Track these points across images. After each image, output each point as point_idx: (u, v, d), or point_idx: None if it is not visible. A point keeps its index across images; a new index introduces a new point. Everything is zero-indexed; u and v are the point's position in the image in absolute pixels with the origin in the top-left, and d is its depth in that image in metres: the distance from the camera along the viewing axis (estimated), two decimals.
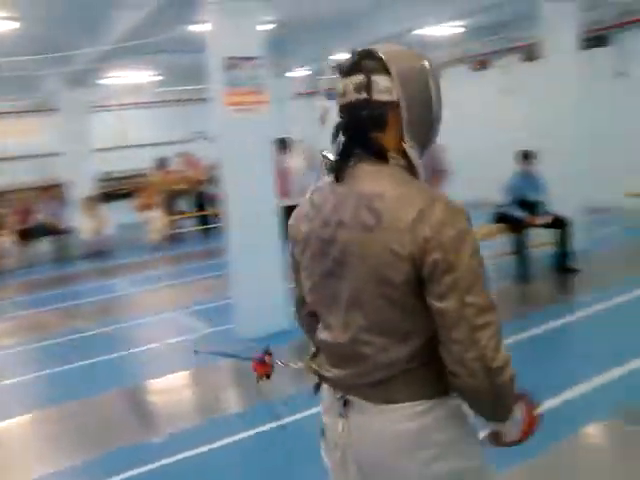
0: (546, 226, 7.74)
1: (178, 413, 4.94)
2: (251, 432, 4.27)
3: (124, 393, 5.38)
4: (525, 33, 12.96)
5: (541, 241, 8.23)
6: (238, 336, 6.29)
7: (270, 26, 11.27)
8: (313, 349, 1.81)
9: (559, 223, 7.67)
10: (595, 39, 12.47)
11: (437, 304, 1.46)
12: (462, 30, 13.63)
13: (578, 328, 5.88)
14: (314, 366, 1.75)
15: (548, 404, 4.18)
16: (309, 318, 1.82)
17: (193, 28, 10.15)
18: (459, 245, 1.44)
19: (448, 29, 13.34)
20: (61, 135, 13.34)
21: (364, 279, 1.51)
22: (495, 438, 1.65)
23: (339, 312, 1.60)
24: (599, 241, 9.15)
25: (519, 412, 1.61)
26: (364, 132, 1.55)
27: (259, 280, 6.26)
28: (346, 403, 1.62)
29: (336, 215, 1.57)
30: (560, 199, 8.09)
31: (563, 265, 7.67)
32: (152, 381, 5.75)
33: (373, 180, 1.53)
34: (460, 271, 1.44)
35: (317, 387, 1.79)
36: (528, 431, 1.63)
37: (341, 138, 1.59)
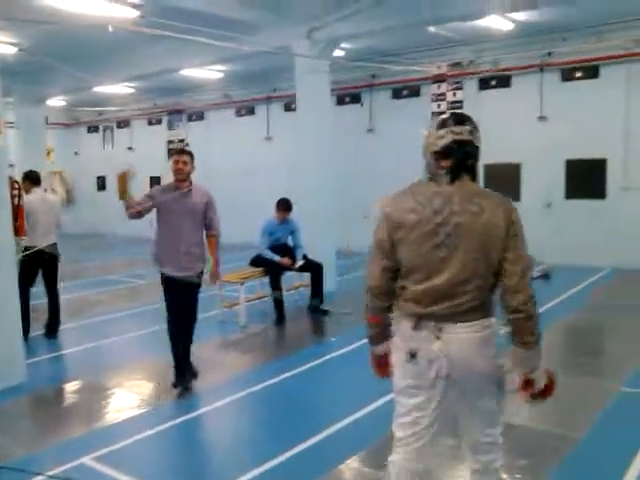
0: (300, 270, 8.01)
1: None
2: None
3: None
4: (285, 84, 13.62)
5: (295, 284, 8.52)
6: None
7: (12, 50, 10.43)
8: (386, 304, 2.75)
9: (312, 267, 7.96)
10: (349, 96, 13.51)
11: (511, 252, 2.54)
12: (222, 76, 13.87)
13: (328, 369, 6.02)
14: (414, 309, 2.63)
15: (301, 446, 4.23)
16: (390, 280, 2.70)
17: None
18: (518, 220, 2.59)
19: (213, 73, 13.51)
20: None
21: (473, 246, 2.53)
22: (526, 387, 2.59)
23: (444, 269, 2.56)
24: (350, 283, 9.67)
25: (543, 372, 2.60)
26: (469, 160, 2.62)
27: None
28: (441, 328, 2.57)
29: (448, 206, 2.55)
30: (313, 244, 8.47)
31: (316, 307, 7.96)
32: None
33: (471, 186, 2.62)
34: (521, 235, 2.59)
35: (417, 324, 2.62)
36: (550, 387, 2.61)
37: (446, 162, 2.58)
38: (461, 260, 2.52)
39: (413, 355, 2.61)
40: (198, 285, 5.40)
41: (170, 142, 16.58)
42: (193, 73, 13.12)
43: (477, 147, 2.62)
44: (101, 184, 19.08)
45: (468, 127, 2.58)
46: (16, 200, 6.27)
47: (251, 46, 9.21)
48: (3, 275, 5.59)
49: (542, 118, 11.25)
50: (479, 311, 2.57)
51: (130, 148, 17.90)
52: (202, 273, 5.44)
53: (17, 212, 6.20)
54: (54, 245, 7.07)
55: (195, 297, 5.43)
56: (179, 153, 5.42)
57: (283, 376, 5.71)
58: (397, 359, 2.70)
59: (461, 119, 2.60)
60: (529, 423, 3.44)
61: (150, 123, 17.46)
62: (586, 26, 10.35)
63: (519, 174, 11.44)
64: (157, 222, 5.39)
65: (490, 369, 2.59)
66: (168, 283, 5.30)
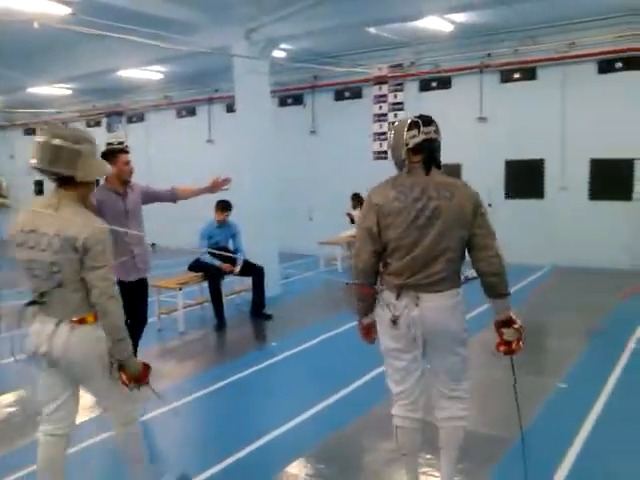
0: (241, 274, 7.85)
1: None
2: None
3: None
4: (227, 85, 13.41)
5: (236, 289, 8.37)
6: None
7: None
8: (373, 280, 3.21)
9: (253, 270, 7.80)
10: (291, 97, 13.41)
11: (480, 228, 3.07)
12: (162, 76, 13.60)
13: (269, 375, 5.85)
14: (396, 281, 3.09)
15: (242, 453, 4.11)
16: (377, 260, 3.17)
17: None
18: (482, 203, 3.11)
19: (150, 73, 13.22)
20: None
21: (448, 224, 3.02)
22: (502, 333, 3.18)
23: (423, 245, 3.03)
24: (293, 287, 9.55)
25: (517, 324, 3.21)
26: (436, 154, 3.13)
27: None
28: (418, 297, 3.04)
29: (425, 193, 3.04)
30: (254, 246, 8.31)
31: (258, 311, 7.82)
32: None
33: (441, 176, 3.11)
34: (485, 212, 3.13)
35: (399, 294, 3.08)
36: (520, 337, 3.20)
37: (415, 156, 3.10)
38: (436, 237, 3.01)
39: (395, 321, 3.07)
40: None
41: (109, 144, 16.13)
42: (132, 74, 12.81)
43: (440, 143, 3.16)
44: (39, 189, 18.45)
45: (433, 127, 3.11)
46: None
47: (188, 46, 9.02)
48: None
49: (482, 119, 11.40)
50: (450, 282, 3.08)
51: None
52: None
53: None
54: None
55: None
56: (124, 152, 5.17)
57: (222, 383, 5.55)
58: (381, 326, 3.19)
59: (428, 121, 3.11)
60: (470, 427, 3.44)
61: (88, 125, 16.96)
62: (523, 28, 10.53)
63: (459, 175, 11.55)
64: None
65: (459, 331, 3.12)
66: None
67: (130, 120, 16.10)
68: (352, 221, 11.06)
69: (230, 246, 7.88)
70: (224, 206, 7.76)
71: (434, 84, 11.91)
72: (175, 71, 13.29)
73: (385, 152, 11.86)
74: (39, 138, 2.95)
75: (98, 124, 16.72)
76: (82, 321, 2.97)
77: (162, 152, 15.18)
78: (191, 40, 9.15)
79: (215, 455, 4.11)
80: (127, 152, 5.21)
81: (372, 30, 10.30)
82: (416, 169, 3.08)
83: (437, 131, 3.13)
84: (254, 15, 8.82)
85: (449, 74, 11.71)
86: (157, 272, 6.97)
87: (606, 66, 10.25)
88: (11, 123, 18.87)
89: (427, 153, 3.06)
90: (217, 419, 4.92)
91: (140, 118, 15.96)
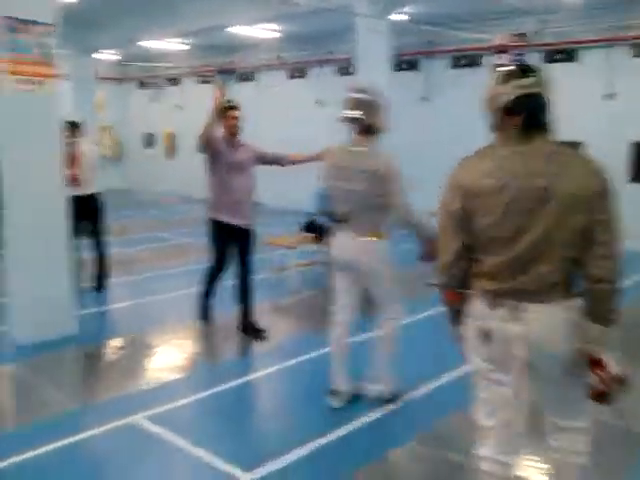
0: None
1: None
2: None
3: None
4: (341, 47, 13.29)
5: None
6: (14, 341, 5.49)
7: None
8: (459, 281, 2.52)
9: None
10: (406, 63, 13.11)
11: (601, 217, 2.26)
12: (278, 35, 13.57)
13: None
14: (489, 285, 2.40)
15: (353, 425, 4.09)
16: (465, 254, 2.47)
17: None
18: (609, 182, 2.31)
19: (264, 32, 13.21)
20: None
21: (561, 209, 2.25)
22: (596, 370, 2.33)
23: (526, 238, 2.29)
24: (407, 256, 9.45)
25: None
26: (540, 114, 2.37)
27: (41, 277, 5.49)
28: (519, 307, 2.32)
29: (528, 167, 2.29)
30: None
31: None
32: None
33: (551, 145, 2.36)
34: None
35: (493, 303, 2.38)
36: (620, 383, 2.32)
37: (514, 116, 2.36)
38: (543, 227, 2.26)
39: (487, 336, 2.40)
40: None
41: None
42: (245, 31, 12.83)
43: (547, 99, 2.36)
44: (148, 141, 19.10)
45: (537, 78, 2.34)
46: (70, 148, 6.21)
47: (309, 3, 8.92)
48: (53, 225, 5.55)
49: (609, 96, 10.75)
50: (562, 288, 2.33)
51: (179, 106, 17.77)
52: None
53: (72, 161, 6.15)
54: (99, 194, 7.05)
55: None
56: (234, 108, 5.52)
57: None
58: (470, 340, 2.50)
59: (528, 70, 2.37)
60: (606, 419, 3.27)
61: (200, 82, 17.29)
62: None
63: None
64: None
65: (575, 355, 2.34)
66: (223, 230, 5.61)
67: (241, 78, 16.26)
68: None
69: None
70: None
71: (558, 56, 11.29)
72: (288, 30, 13.24)
73: None
74: (356, 95, 3.94)
75: (209, 81, 16.99)
76: (377, 236, 3.95)
77: (271, 112, 15.27)
78: None
79: (331, 421, 4.15)
80: (236, 108, 5.54)
81: None
82: (515, 135, 2.36)
83: (542, 83, 2.36)
84: None
85: (575, 46, 11.09)
86: (266, 230, 7.08)
87: None
88: (126, 77, 19.48)
89: (528, 113, 2.32)
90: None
91: (251, 77, 16.09)
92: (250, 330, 5.83)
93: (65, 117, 6.41)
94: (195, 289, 6.07)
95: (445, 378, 4.77)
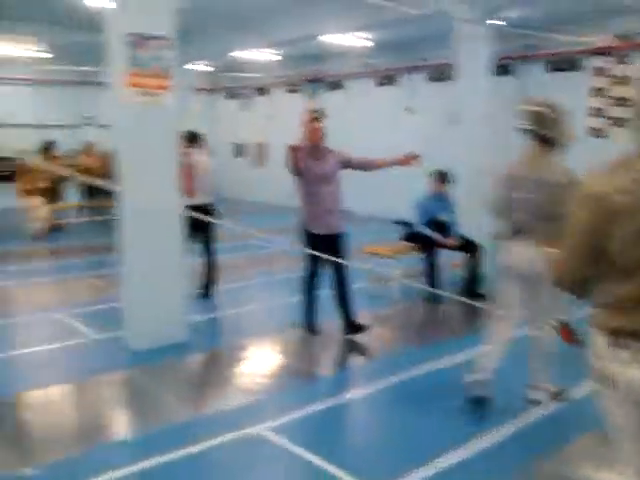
0: (456, 249, 7.61)
1: (57, 437, 4.21)
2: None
3: None
4: (433, 53, 13.15)
5: (450, 263, 8.05)
6: (129, 346, 5.65)
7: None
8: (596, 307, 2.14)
9: (469, 247, 7.58)
10: (501, 67, 12.80)
11: None
12: (369, 43, 13.52)
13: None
14: (615, 322, 2.03)
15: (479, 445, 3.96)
16: (590, 278, 2.12)
17: (89, 3, 9.40)
18: None
19: (354, 40, 13.18)
20: None
21: None
22: None
23: None
24: None
25: None
26: None
27: (156, 284, 5.64)
28: None
29: None
30: (470, 223, 8.04)
31: (471, 290, 7.48)
32: (26, 393, 4.87)
33: None
34: None
35: (616, 340, 2.03)
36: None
37: None
38: None
39: (609, 381, 2.08)
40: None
41: (308, 111, 16.57)
42: (338, 40, 12.87)
43: None
44: (238, 151, 19.46)
45: None
46: (187, 159, 6.38)
47: (410, 9, 8.87)
48: (169, 234, 5.69)
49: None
50: None
51: (268, 116, 18.01)
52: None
53: (187, 172, 6.32)
54: (212, 204, 7.22)
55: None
56: (317, 119, 5.82)
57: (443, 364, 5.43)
58: (599, 385, 2.15)
59: None
60: None
61: (289, 91, 17.49)
62: None
63: None
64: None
65: None
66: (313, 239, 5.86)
67: (329, 87, 16.34)
68: None
69: (445, 219, 7.69)
70: (442, 177, 7.61)
71: None
72: (379, 38, 13.21)
73: (601, 130, 11.07)
74: (530, 107, 4.05)
75: (297, 90, 17.16)
76: (552, 245, 3.60)
77: (360, 120, 15.27)
78: (405, 4, 9.00)
79: (454, 439, 4.05)
80: (319, 119, 5.81)
81: None
82: None
83: None
84: None
85: None
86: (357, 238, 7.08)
87: None
88: (216, 87, 19.94)
89: None
90: (444, 400, 4.78)
91: (339, 85, 16.14)
92: (353, 328, 5.96)
93: (185, 128, 6.63)
94: (295, 298, 6.13)
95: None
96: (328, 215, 5.79)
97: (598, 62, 11.13)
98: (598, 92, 11.20)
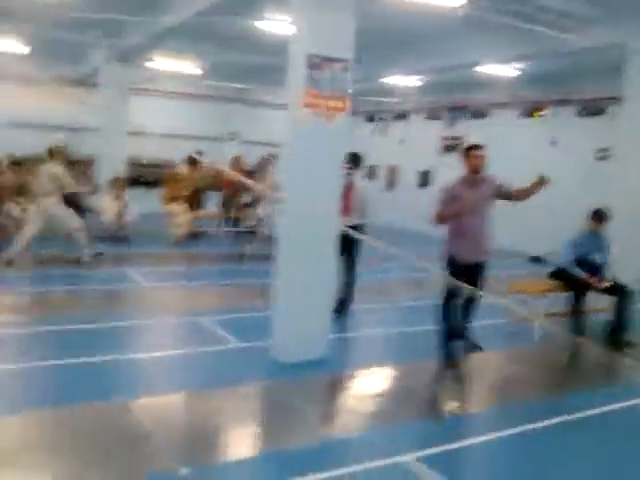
0: (604, 291, 7.18)
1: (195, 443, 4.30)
2: None
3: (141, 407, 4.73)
4: (584, 86, 12.68)
5: (597, 307, 7.55)
6: (274, 357, 5.73)
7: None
8: None
9: (618, 290, 7.14)
10: None
11: None
12: (517, 73, 13.19)
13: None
14: None
15: None
16: None
17: (259, 24, 9.80)
18: None
19: (505, 70, 12.88)
20: (99, 111, 12.97)
21: None
22: None
23: None
24: None
25: None
26: None
27: (308, 299, 5.70)
28: None
29: None
30: (622, 266, 7.62)
31: (618, 337, 7.03)
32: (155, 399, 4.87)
33: None
34: None
35: None
36: None
37: None
38: None
39: None
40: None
41: (445, 138, 16.46)
42: (488, 69, 12.67)
43: None
44: (371, 173, 19.50)
45: None
46: (347, 180, 6.53)
47: (581, 41, 8.60)
48: (324, 251, 5.76)
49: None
50: None
51: (402, 140, 18.00)
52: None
53: (346, 192, 6.43)
54: (363, 225, 7.31)
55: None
56: (479, 147, 6.02)
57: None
58: None
59: None
60: None
61: (428, 117, 17.41)
62: None
63: None
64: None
65: None
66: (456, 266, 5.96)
67: (472, 116, 16.10)
68: None
69: (597, 260, 7.32)
70: (599, 216, 7.26)
71: None
72: (530, 69, 12.87)
73: None
74: None
75: (437, 117, 17.05)
76: None
77: (502, 151, 14.91)
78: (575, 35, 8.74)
79: None
80: (480, 147, 6.02)
81: None
82: None
83: None
84: None
85: None
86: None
87: None
88: (355, 110, 20.14)
89: None
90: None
91: (481, 115, 15.88)
92: (468, 345, 6.22)
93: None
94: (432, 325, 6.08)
95: None
96: (472, 243, 5.93)
97: None
98: None
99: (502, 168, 14.01)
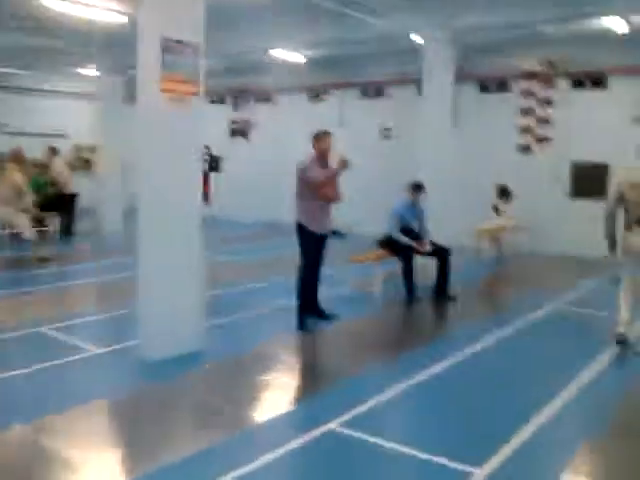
0: (428, 254, 8.02)
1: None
2: None
3: None
4: (364, 70, 13.75)
5: (422, 269, 8.40)
6: (143, 357, 5.43)
7: None
8: None
9: (440, 251, 8.00)
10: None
11: None
12: (304, 60, 13.66)
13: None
14: None
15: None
16: None
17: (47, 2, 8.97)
18: None
19: (296, 55, 13.29)
20: None
21: None
22: None
23: None
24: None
25: None
26: None
27: (174, 289, 5.49)
28: None
29: None
30: (438, 229, 8.52)
31: (442, 292, 7.98)
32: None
33: None
34: None
35: None
36: None
37: None
38: None
39: None
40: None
41: (234, 122, 16.63)
42: (277, 54, 12.97)
43: None
44: None
45: None
46: None
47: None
48: (189, 242, 5.59)
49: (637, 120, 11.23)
50: None
51: None
52: None
53: None
54: None
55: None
56: (327, 134, 6.55)
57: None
58: None
59: None
60: None
61: (212, 101, 17.32)
62: None
63: (607, 174, 11.51)
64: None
65: None
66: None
67: (259, 100, 16.37)
68: (497, 211, 11.39)
69: (418, 227, 8.09)
70: (416, 185, 8.03)
71: (586, 83, 11.79)
72: (316, 55, 13.40)
73: (529, 146, 12.03)
74: None
75: (223, 101, 17.06)
76: None
77: (290, 134, 15.46)
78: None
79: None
80: (328, 134, 6.56)
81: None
82: None
83: None
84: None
85: (604, 74, 11.54)
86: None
87: None
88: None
89: None
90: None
91: (268, 98, 16.24)
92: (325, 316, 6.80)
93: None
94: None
95: None
96: (328, 216, 6.59)
97: (525, 84, 12.08)
98: (527, 112, 12.14)
99: (292, 149, 14.75)
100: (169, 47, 5.10)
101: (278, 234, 13.12)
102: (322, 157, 6.48)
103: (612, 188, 6.02)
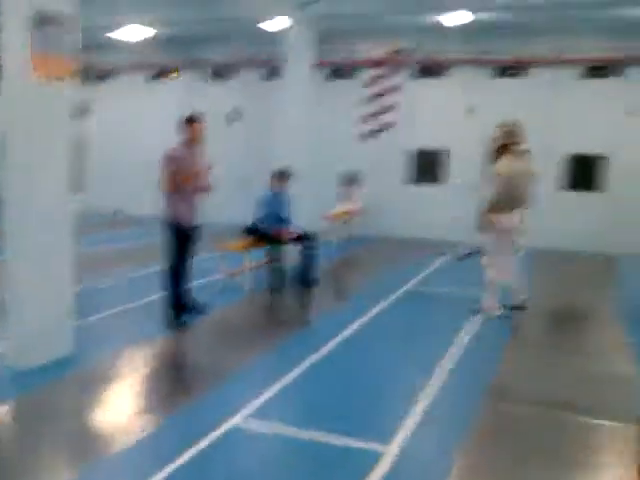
0: (294, 240, 7.98)
1: None
2: None
3: None
4: (216, 50, 13.44)
5: (288, 255, 8.30)
6: (11, 365, 4.85)
7: None
8: None
9: (304, 237, 8.04)
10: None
11: None
12: (142, 38, 13.01)
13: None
14: None
15: None
16: None
17: None
18: None
19: (139, 34, 12.66)
20: None
21: None
22: None
23: None
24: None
25: None
26: None
27: (41, 286, 4.97)
28: None
29: None
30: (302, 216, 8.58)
31: (306, 277, 7.97)
32: None
33: None
34: None
35: None
36: None
37: None
38: None
39: None
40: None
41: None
42: (119, 33, 12.26)
43: None
44: None
45: None
46: None
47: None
48: (58, 238, 5.10)
49: (471, 109, 12.07)
50: None
51: None
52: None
53: None
54: None
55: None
56: (199, 119, 6.18)
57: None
58: None
59: None
60: None
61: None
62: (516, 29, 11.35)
63: (448, 159, 12.31)
64: None
65: None
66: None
67: (98, 78, 15.33)
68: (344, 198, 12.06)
69: (283, 214, 8.03)
70: (281, 173, 8.00)
71: (429, 72, 12.43)
72: (160, 33, 12.85)
73: (377, 131, 12.48)
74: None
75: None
76: None
77: (132, 115, 14.74)
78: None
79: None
80: (200, 119, 6.20)
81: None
82: None
83: None
84: None
85: (446, 64, 12.25)
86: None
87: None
88: None
89: None
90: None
91: (107, 77, 15.29)
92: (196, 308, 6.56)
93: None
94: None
95: None
96: (195, 208, 6.25)
97: (371, 72, 12.49)
98: (371, 99, 12.58)
99: (128, 130, 14.09)
100: (39, 22, 4.55)
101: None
102: (192, 143, 6.12)
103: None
